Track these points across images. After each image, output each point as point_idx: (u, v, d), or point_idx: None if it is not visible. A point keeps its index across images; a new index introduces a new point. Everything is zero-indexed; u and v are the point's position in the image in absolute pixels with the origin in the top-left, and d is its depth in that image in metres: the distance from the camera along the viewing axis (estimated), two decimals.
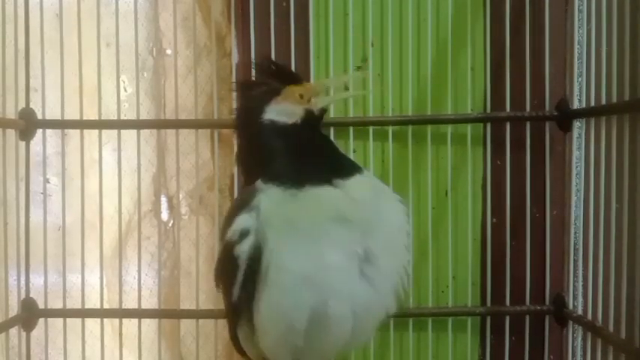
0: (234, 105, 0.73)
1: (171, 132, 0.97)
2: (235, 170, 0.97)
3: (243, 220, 0.65)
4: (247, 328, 0.67)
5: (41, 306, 0.95)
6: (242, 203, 0.66)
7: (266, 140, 0.69)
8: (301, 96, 0.70)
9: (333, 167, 0.67)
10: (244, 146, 0.72)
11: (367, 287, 0.65)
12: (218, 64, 0.99)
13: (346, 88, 0.97)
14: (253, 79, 0.73)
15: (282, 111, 0.69)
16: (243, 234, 0.64)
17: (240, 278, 0.64)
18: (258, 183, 0.67)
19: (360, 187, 0.67)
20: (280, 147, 0.68)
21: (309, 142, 0.70)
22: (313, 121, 0.71)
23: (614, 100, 0.79)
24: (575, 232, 0.91)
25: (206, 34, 1.04)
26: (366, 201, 0.66)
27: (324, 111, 0.73)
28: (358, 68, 0.98)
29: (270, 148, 0.68)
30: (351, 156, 0.97)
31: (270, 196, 0.65)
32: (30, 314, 0.95)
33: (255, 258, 0.63)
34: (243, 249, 0.64)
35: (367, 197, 0.66)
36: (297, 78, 0.72)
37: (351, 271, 0.64)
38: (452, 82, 0.96)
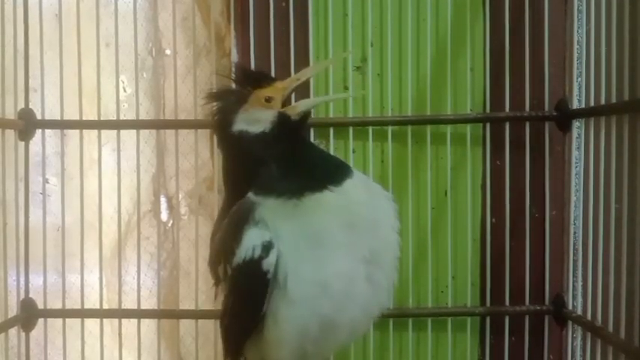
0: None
1: (170, 132, 0.97)
2: None
3: (257, 235, 0.63)
4: (255, 342, 0.67)
5: (40, 306, 0.95)
6: (241, 218, 0.65)
7: (244, 151, 0.67)
8: (268, 99, 0.67)
9: (323, 172, 0.66)
10: (224, 159, 0.70)
11: (371, 289, 0.66)
12: (217, 64, 0.99)
13: (346, 88, 0.97)
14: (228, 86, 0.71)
15: (251, 119, 0.67)
16: (267, 247, 0.63)
17: (268, 292, 0.63)
18: (251, 196, 0.65)
19: (357, 189, 0.66)
20: (261, 157, 0.66)
21: (291, 149, 0.67)
22: (290, 126, 0.68)
23: (614, 100, 0.79)
24: (575, 232, 0.91)
25: (205, 35, 1.04)
26: (365, 202, 0.66)
27: (305, 115, 0.69)
28: (357, 68, 0.98)
29: (251, 159, 0.66)
30: (351, 156, 0.97)
31: (270, 209, 0.64)
32: (29, 314, 0.94)
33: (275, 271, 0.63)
34: (271, 262, 0.62)
35: (364, 199, 0.66)
36: (263, 80, 0.69)
37: (359, 276, 0.65)
38: (451, 82, 0.96)
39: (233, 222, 0.66)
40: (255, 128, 0.67)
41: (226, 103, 0.68)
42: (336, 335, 0.66)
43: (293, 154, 0.67)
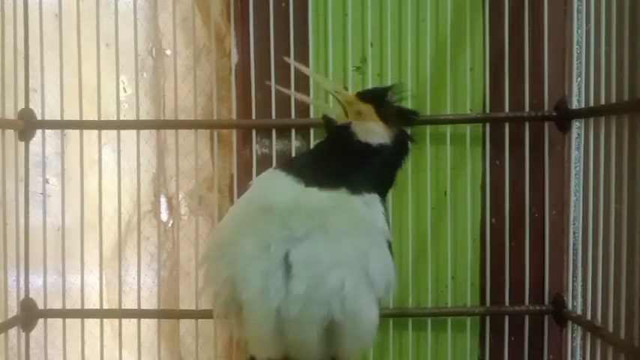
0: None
1: (170, 132, 0.97)
2: (235, 170, 0.97)
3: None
4: None
5: (40, 306, 0.95)
6: None
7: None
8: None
9: (316, 170, 0.68)
10: None
11: (291, 290, 0.62)
12: (217, 64, 0.99)
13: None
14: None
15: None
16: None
17: None
18: None
19: (322, 200, 0.65)
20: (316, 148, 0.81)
21: (324, 149, 0.75)
22: (333, 130, 0.74)
23: (613, 100, 0.79)
24: (575, 233, 0.91)
25: (205, 35, 1.04)
26: (311, 213, 0.64)
27: (334, 123, 0.74)
28: (357, 68, 0.98)
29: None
30: None
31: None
32: (29, 314, 0.94)
33: None
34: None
35: (315, 210, 0.65)
36: None
37: (263, 262, 0.63)
38: (451, 82, 0.96)
39: None
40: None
41: None
42: (249, 314, 0.63)
43: (322, 154, 0.74)
